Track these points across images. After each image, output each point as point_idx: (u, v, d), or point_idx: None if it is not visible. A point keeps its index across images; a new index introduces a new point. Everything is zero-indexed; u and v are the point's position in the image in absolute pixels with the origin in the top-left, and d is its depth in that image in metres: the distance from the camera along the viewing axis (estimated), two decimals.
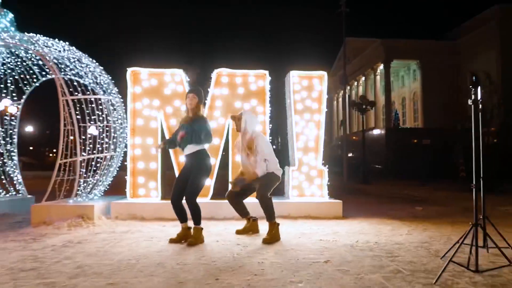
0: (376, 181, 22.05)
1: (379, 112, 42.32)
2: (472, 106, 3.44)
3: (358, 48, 43.12)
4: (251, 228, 5.23)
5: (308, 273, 3.29)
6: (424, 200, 10.66)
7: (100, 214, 6.12)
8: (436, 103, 36.63)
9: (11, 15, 6.78)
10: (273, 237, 4.73)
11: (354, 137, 37.63)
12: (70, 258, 3.81)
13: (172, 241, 4.58)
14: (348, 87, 48.98)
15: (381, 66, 40.55)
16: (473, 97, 3.44)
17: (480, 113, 3.51)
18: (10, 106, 8.71)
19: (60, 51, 6.44)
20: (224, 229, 5.48)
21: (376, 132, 36.58)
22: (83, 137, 5.95)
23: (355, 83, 47.74)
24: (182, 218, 4.65)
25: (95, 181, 6.49)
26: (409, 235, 5.16)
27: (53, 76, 6.08)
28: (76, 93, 6.02)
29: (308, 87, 7.14)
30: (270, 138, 6.95)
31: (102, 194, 7.01)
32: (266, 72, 6.97)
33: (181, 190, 4.61)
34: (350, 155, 31.93)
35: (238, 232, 5.19)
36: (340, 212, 6.64)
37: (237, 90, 6.94)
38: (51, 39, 6.65)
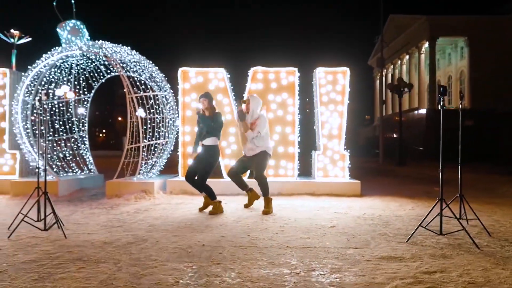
0: (414, 162, 22.49)
1: (423, 92, 41.42)
2: None
3: (402, 25, 42.07)
4: (253, 197, 6.27)
5: (315, 233, 4.44)
6: (447, 182, 11.34)
7: (158, 189, 7.55)
8: (485, 83, 35.27)
9: (86, 35, 8.25)
10: (270, 209, 5.86)
11: (396, 118, 37.46)
12: (142, 220, 5.20)
13: (201, 209, 6.00)
14: (392, 66, 48.22)
15: (426, 44, 39.30)
16: None
17: None
18: (68, 92, 10.29)
19: (123, 54, 7.84)
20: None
21: (418, 112, 36.14)
22: (145, 127, 7.34)
23: (399, 62, 46.78)
24: (199, 190, 5.96)
25: (153, 163, 7.92)
26: (412, 210, 6.15)
27: (118, 73, 7.45)
28: (138, 91, 7.40)
29: (333, 81, 8.12)
30: (299, 126, 8.07)
31: (158, 173, 8.46)
32: (295, 69, 8.02)
33: (193, 171, 5.90)
34: (394, 136, 31.98)
35: (246, 206, 6.27)
36: (358, 190, 7.68)
37: (270, 85, 8.06)
38: (116, 45, 8.05)
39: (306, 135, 8.53)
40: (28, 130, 8.31)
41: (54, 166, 8.66)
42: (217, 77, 8.10)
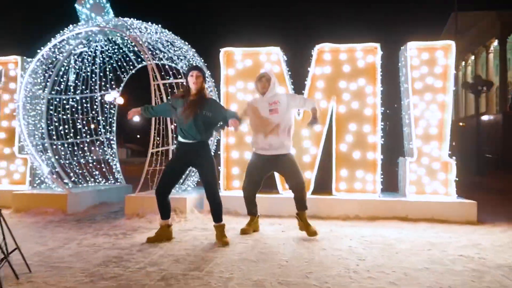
0: (490, 172, 19.17)
1: (491, 95, 37.15)
2: None
3: (465, 23, 38.16)
4: (255, 226, 4.65)
5: None
6: None
7: (192, 207, 5.69)
8: None
9: (111, 13, 6.64)
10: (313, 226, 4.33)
11: (460, 124, 33.57)
12: (155, 264, 3.30)
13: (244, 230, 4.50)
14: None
15: (496, 42, 35.36)
16: None
17: None
18: (118, 98, 8.86)
19: (152, 35, 6.12)
20: (330, 232, 4.63)
21: (489, 117, 32.22)
22: (175, 124, 5.52)
23: (463, 63, 42.54)
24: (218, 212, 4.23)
25: (187, 171, 6.08)
26: None
27: (147, 62, 5.77)
28: (167, 77, 5.61)
29: (430, 61, 5.86)
30: (382, 124, 5.89)
31: (195, 185, 6.62)
32: (377, 45, 5.86)
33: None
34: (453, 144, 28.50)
35: (246, 231, 4.51)
36: (474, 215, 5.34)
37: (342, 68, 5.96)
38: (144, 22, 6.36)
39: (390, 136, 6.29)
40: (42, 131, 6.85)
41: (72, 174, 7.11)
42: (270, 59, 6.13)
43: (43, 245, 3.96)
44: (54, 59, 6.70)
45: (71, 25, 6.24)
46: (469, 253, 3.73)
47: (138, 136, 60.70)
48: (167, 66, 5.79)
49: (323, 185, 5.94)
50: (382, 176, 5.84)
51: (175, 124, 5.57)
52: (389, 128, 6.02)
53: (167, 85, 5.56)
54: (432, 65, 5.84)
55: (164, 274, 3.03)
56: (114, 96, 8.70)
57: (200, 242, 4.13)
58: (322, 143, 5.93)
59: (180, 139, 4.15)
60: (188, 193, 6.08)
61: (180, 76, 5.78)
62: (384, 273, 3.09)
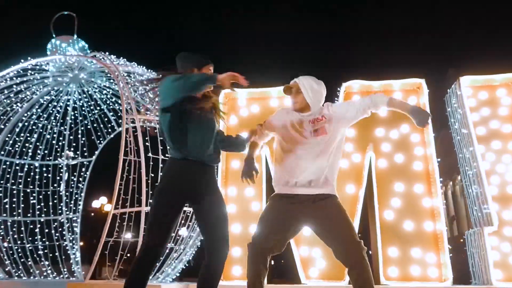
0: None
1: None
2: None
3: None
4: None
5: None
6: None
7: None
8: None
9: (82, 43, 5.51)
10: None
11: None
12: None
13: None
14: None
15: None
16: None
17: None
18: (106, 204, 7.44)
19: (136, 73, 4.87)
20: None
21: None
22: (152, 175, 3.88)
23: None
24: None
25: (167, 251, 4.22)
26: None
27: (133, 125, 4.31)
28: (147, 113, 4.16)
29: (490, 101, 4.54)
30: (441, 179, 4.29)
31: (178, 274, 4.67)
32: (422, 80, 4.59)
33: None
34: None
35: None
36: None
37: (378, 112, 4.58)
38: (132, 63, 5.14)
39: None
40: None
41: (8, 262, 5.16)
42: (283, 103, 4.79)
43: None
44: (8, 109, 5.32)
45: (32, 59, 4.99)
46: None
47: None
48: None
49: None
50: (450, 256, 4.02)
51: (152, 175, 3.97)
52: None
53: (146, 123, 4.07)
54: (495, 106, 4.51)
55: None
56: (102, 203, 7.22)
57: None
58: (359, 211, 4.25)
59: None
60: (165, 284, 4.13)
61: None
62: None
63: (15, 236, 5.48)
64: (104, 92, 5.88)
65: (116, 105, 6.03)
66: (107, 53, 4.84)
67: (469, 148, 4.41)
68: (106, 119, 6.27)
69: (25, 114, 5.60)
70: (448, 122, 4.89)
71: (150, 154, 3.92)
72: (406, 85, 4.68)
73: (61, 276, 5.60)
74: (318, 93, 2.68)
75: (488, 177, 4.25)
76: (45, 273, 5.46)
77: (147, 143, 3.92)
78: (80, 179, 6.35)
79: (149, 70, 5.10)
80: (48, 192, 6.04)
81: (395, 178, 4.36)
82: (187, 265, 4.77)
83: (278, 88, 4.85)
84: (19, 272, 5.19)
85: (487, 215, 4.15)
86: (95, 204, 9.05)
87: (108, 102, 6.06)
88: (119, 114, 6.13)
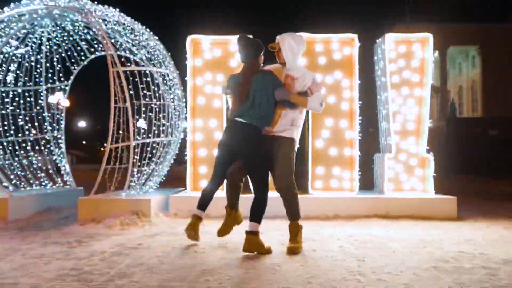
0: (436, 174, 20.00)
1: (432, 102, 39.27)
2: None
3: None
4: (234, 222, 3.75)
5: None
6: None
7: (157, 210, 5.08)
8: (498, 92, 33.67)
9: None
10: (300, 244, 3.47)
11: None
12: (124, 274, 2.72)
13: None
14: None
15: (436, 53, 37.44)
16: None
17: None
18: (63, 99, 8.04)
19: (110, 18, 5.46)
20: (313, 232, 4.23)
21: (433, 122, 33.97)
22: (137, 117, 4.91)
23: None
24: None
25: (150, 171, 5.47)
26: None
27: (104, 53, 5.08)
28: (128, 64, 4.99)
29: (407, 54, 5.71)
30: (360, 118, 5.63)
31: (158, 186, 5.99)
32: (355, 36, 5.61)
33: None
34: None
35: (222, 233, 3.70)
36: (455, 211, 5.19)
37: (318, 60, 5.65)
38: (100, 5, 5.68)
39: (366, 131, 6.06)
40: None
41: (13, 176, 6.21)
42: None
43: None
44: None
45: (12, 4, 5.42)
46: (467, 249, 3.49)
47: (84, 142, 57.75)
48: (129, 55, 5.16)
49: (298, 184, 5.55)
50: (360, 174, 5.58)
51: (138, 117, 4.99)
52: (365, 123, 5.76)
53: (127, 72, 4.93)
54: (410, 59, 5.70)
55: (138, 281, 2.47)
56: (58, 98, 7.87)
57: (171, 248, 3.57)
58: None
59: None
60: (151, 194, 5.46)
61: (143, 65, 5.18)
62: (393, 275, 2.73)
63: (12, 154, 6.43)
64: (76, 24, 6.38)
65: (87, 36, 6.58)
66: (85, 0, 5.35)
67: (384, 93, 5.70)
68: (79, 48, 6.85)
69: (4, 48, 6.09)
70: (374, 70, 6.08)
71: (134, 101, 4.87)
72: (343, 39, 5.68)
73: (56, 185, 6.78)
74: (296, 51, 3.59)
75: (394, 116, 5.63)
76: (43, 184, 6.60)
77: (131, 92, 4.83)
78: (60, 101, 7.14)
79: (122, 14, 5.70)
80: (33, 114, 6.84)
81: (326, 115, 5.62)
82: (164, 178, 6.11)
83: (237, 37, 5.68)
84: (23, 184, 6.29)
85: (388, 145, 5.65)
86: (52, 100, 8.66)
87: (79, 33, 6.59)
88: (90, 44, 6.73)
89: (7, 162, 6.21)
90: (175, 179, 7.38)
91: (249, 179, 3.69)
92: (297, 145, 3.76)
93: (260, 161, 3.52)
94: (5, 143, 6.36)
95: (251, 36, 3.79)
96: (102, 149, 77.10)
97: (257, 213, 3.43)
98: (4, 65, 6.27)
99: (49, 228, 4.58)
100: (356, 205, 5.28)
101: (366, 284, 2.53)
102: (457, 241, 3.86)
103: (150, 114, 5.14)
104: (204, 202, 3.71)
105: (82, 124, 49.21)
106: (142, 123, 5.41)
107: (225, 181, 3.77)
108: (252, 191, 3.64)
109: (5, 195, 5.17)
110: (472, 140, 29.76)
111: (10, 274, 2.76)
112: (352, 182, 5.55)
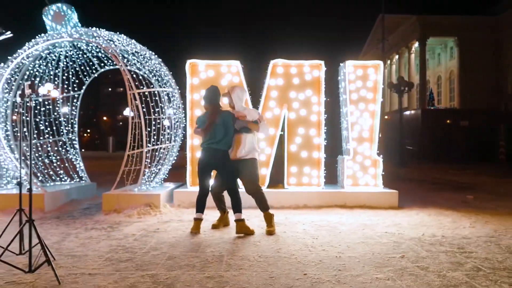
0: (411, 164, 21.79)
1: (412, 93, 41.01)
2: None
3: (391, 25, 41.59)
4: (224, 221, 5.20)
5: (389, 269, 3.41)
6: (471, 187, 10.51)
7: (164, 202, 6.43)
8: (475, 83, 35.31)
9: (74, 20, 7.04)
10: (274, 227, 4.86)
11: (386, 117, 36.84)
12: (156, 248, 4.09)
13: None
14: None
15: (416, 44, 39.01)
16: None
17: None
18: (52, 90, 9.10)
19: (121, 43, 6.69)
20: (285, 219, 5.66)
21: (410, 113, 35.68)
22: (148, 129, 6.21)
23: (388, 62, 46.29)
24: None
25: (157, 170, 6.79)
26: (472, 228, 5.18)
27: (118, 66, 6.30)
28: (141, 87, 6.26)
29: (363, 77, 7.11)
30: (326, 128, 7.04)
31: (162, 182, 7.33)
32: (322, 62, 6.99)
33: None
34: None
35: (215, 226, 5.09)
36: (396, 202, 6.69)
37: (292, 81, 7.01)
38: (112, 32, 6.90)
39: (331, 138, 7.48)
40: (8, 132, 7.10)
41: (39, 174, 7.45)
42: (230, 70, 7.00)
43: (45, 239, 4.52)
44: (20, 64, 6.99)
45: (43, 35, 6.59)
46: (392, 231, 4.96)
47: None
48: (140, 77, 6.42)
49: (277, 180, 6.98)
50: (325, 172, 7.01)
51: (149, 129, 6.29)
52: (330, 131, 7.18)
53: (141, 94, 6.22)
54: (365, 80, 7.10)
55: (168, 255, 3.84)
56: (48, 89, 9.00)
57: (182, 231, 4.93)
58: (275, 145, 6.95)
59: None
60: (158, 189, 6.79)
61: (152, 86, 6.46)
62: (333, 247, 4.17)
63: (36, 155, 7.65)
64: (90, 45, 7.57)
65: (99, 53, 7.78)
66: (101, 29, 6.57)
67: (345, 107, 7.11)
68: (91, 63, 8.05)
69: (30, 66, 7.26)
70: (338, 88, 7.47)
71: (146, 116, 6.17)
72: (312, 64, 7.04)
73: (73, 180, 8.05)
74: (241, 97, 5.10)
75: (352, 126, 7.06)
76: (63, 179, 7.86)
77: (143, 109, 6.12)
78: (74, 107, 8.35)
79: (132, 40, 6.93)
80: (51, 119, 8.05)
81: (299, 125, 7.01)
82: (168, 175, 7.45)
83: (227, 61, 6.99)
84: (49, 180, 7.53)
85: (348, 149, 7.09)
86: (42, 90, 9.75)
87: (92, 51, 7.78)
88: (101, 59, 7.94)
89: (33, 162, 7.44)
90: (175, 174, 8.67)
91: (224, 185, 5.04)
92: (258, 159, 5.18)
93: (230, 171, 4.92)
94: (37, 144, 7.59)
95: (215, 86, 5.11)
96: (85, 135, 77.05)
97: (237, 206, 4.85)
98: (29, 80, 7.44)
99: (81, 217, 5.89)
100: (321, 197, 6.73)
101: (314, 252, 3.96)
102: (388, 225, 5.34)
103: (158, 126, 6.43)
104: (200, 206, 5.01)
105: (64, 110, 49.41)
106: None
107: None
108: (227, 192, 4.99)
109: (40, 191, 6.42)
110: (445, 130, 31.69)
111: (78, 249, 4.09)
112: (319, 179, 6.98)
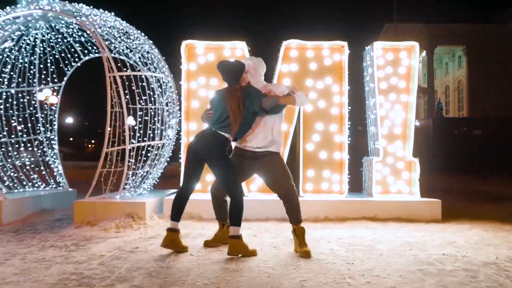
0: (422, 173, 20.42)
1: (419, 101, 39.92)
2: None
3: (398, 34, 40.63)
4: (223, 237, 3.83)
5: None
6: (507, 198, 9.21)
7: (151, 212, 5.19)
8: (484, 92, 34.39)
9: None
10: (308, 246, 3.56)
11: None
12: (125, 279, 2.84)
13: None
14: None
15: (424, 53, 38.03)
16: None
17: None
18: (51, 96, 7.99)
19: (105, 23, 5.53)
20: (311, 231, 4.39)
21: (421, 121, 34.50)
22: (134, 121, 5.01)
23: None
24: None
25: (144, 173, 5.57)
26: None
27: (98, 55, 5.18)
28: (124, 69, 5.07)
29: (394, 62, 5.90)
30: (349, 123, 5.81)
31: (151, 188, 6.10)
32: (345, 43, 5.78)
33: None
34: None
35: (209, 243, 3.85)
36: (439, 214, 5.41)
37: (309, 66, 5.81)
38: (95, 9, 5.74)
39: (355, 135, 6.24)
40: None
41: (6, 178, 6.25)
42: (234, 54, 5.81)
43: None
44: None
45: (8, 7, 5.45)
46: (450, 252, 3.68)
47: (71, 139, 57.25)
48: (124, 59, 5.24)
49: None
50: (349, 177, 5.75)
51: (135, 122, 5.08)
52: (354, 127, 5.94)
53: (124, 77, 5.02)
54: (397, 66, 5.88)
55: (138, 286, 2.60)
56: (46, 95, 7.81)
57: (167, 251, 3.69)
58: (288, 143, 5.72)
59: None
60: (145, 197, 5.56)
61: (138, 69, 5.27)
62: (380, 277, 2.90)
63: (5, 155, 6.46)
64: (71, 26, 6.42)
65: (82, 38, 6.63)
66: (81, 4, 5.42)
67: (373, 99, 5.88)
68: (72, 49, 6.89)
69: None
70: (363, 75, 6.25)
71: (130, 105, 4.97)
72: (333, 45, 5.84)
73: (49, 186, 6.83)
74: (258, 71, 3.84)
75: (382, 121, 5.82)
76: (36, 185, 6.65)
77: (127, 96, 4.92)
78: (54, 102, 7.18)
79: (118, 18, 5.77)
80: (26, 115, 6.87)
81: (317, 119, 5.79)
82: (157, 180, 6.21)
83: (231, 42, 5.81)
84: (16, 185, 6.33)
85: (376, 149, 5.83)
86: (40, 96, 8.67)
87: (74, 35, 6.63)
88: (84, 45, 6.78)
89: (0, 164, 6.24)
90: (169, 178, 7.47)
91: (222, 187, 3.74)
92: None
93: (223, 165, 3.59)
94: (7, 143, 6.41)
95: (232, 60, 3.86)
96: (89, 145, 76.42)
97: (235, 217, 3.52)
98: None
99: (44, 230, 4.66)
100: (345, 208, 5.46)
101: (355, 286, 2.69)
102: (440, 243, 4.06)
103: (146, 118, 5.22)
104: (176, 211, 3.82)
105: (69, 120, 48.85)
106: (131, 120, 5.49)
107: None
108: (228, 196, 3.70)
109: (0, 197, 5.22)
110: (457, 139, 30.45)
111: (13, 279, 2.85)
112: (341, 185, 5.72)
